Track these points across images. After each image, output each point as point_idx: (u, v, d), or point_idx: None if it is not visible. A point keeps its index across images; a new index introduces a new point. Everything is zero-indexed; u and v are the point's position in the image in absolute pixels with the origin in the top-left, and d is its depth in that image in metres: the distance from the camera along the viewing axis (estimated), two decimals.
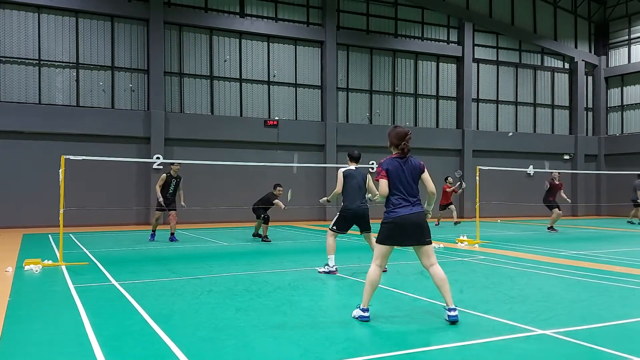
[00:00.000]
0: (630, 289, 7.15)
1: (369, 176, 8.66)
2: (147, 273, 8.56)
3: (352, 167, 8.59)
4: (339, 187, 8.48)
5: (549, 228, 16.73)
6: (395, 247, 5.39)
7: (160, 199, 12.88)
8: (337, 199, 8.91)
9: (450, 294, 5.31)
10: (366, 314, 5.35)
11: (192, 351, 4.39)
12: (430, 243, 5.41)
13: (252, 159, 20.63)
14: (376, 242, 5.45)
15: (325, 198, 9.51)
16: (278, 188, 13.74)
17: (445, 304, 5.33)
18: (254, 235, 14.48)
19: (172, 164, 13.27)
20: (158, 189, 12.99)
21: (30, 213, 18.00)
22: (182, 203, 13.42)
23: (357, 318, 5.40)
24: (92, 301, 6.37)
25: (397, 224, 5.27)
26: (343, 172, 8.50)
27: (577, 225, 20.21)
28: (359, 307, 5.44)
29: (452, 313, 5.24)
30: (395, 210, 5.31)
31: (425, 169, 5.55)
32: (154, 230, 13.90)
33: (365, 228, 8.56)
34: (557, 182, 16.75)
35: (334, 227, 8.58)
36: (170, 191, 13.10)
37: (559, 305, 6.16)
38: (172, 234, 13.57)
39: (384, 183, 5.35)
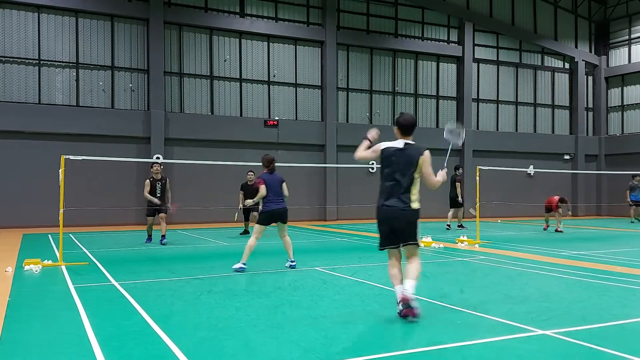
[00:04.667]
0: (630, 289, 7.15)
1: None
2: (147, 273, 8.55)
3: None
4: None
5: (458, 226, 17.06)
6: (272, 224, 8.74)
7: (155, 200, 12.81)
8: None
9: (291, 250, 8.91)
10: (244, 266, 8.37)
11: (192, 351, 4.38)
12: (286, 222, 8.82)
13: (252, 159, 20.60)
14: (257, 222, 8.69)
15: None
16: (249, 172, 14.59)
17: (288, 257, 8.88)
18: (241, 234, 15.21)
19: (151, 166, 13.24)
20: (148, 196, 12.91)
21: (30, 213, 17.99)
22: (169, 204, 13.26)
23: (237, 270, 8.26)
24: (92, 301, 6.37)
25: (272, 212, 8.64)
26: None
27: (577, 225, 20.19)
28: (241, 262, 8.39)
29: (292, 263, 8.82)
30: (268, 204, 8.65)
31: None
32: (149, 235, 13.74)
33: None
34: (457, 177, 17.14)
35: None
36: (158, 194, 13.01)
37: (559, 305, 6.16)
38: (163, 236, 13.40)
39: (262, 188, 8.56)
